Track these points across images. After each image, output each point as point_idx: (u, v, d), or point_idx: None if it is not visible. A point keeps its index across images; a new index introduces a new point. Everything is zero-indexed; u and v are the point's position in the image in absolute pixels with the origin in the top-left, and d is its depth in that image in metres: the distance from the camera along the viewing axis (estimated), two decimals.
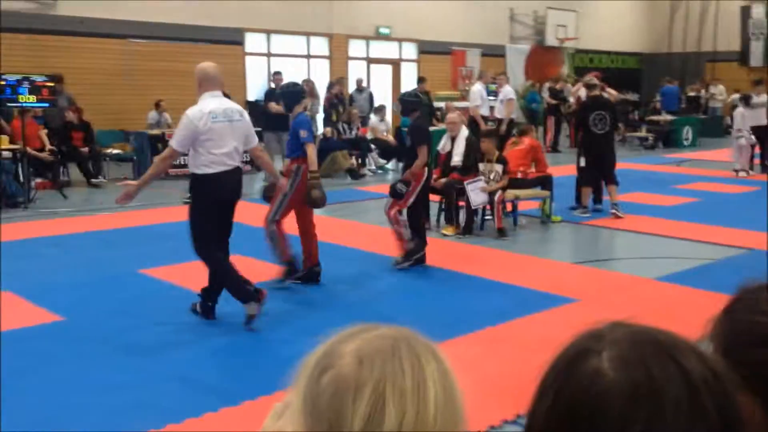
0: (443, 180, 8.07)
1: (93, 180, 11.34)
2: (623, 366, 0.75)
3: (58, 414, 3.59)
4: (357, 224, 8.68)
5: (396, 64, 19.15)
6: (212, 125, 4.67)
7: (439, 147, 8.55)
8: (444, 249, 7.29)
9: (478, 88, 13.44)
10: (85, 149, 11.52)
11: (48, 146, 11.00)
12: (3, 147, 9.66)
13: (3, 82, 9.83)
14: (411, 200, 6.46)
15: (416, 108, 6.76)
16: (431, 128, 13.76)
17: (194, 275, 6.10)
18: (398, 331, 0.86)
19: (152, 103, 13.48)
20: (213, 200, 4.77)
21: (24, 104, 10.03)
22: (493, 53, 20.12)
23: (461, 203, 7.96)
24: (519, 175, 8.46)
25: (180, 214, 9.10)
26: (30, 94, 10.02)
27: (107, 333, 4.75)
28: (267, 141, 11.75)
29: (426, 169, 6.53)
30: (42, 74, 10.46)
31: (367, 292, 5.84)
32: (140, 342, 4.60)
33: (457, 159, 8.08)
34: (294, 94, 5.96)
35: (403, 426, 0.78)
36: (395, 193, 6.45)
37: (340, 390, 0.79)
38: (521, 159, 8.70)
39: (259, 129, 12.24)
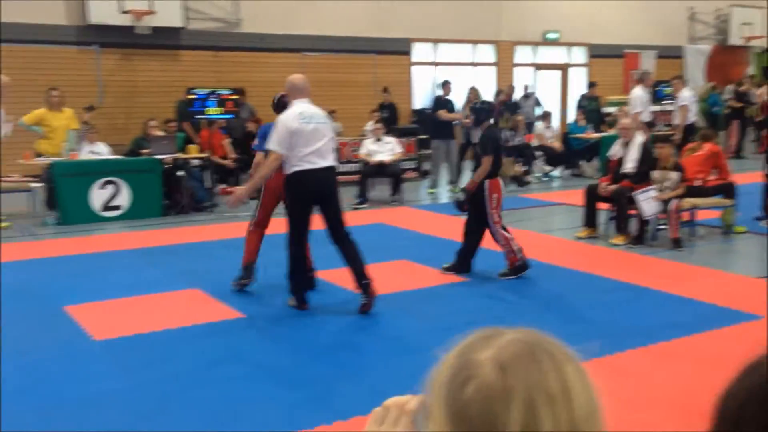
0: (613, 187, 7.80)
1: None
2: None
3: (241, 407, 3.84)
4: (521, 232, 8.57)
5: (564, 69, 18.72)
6: (301, 126, 5.15)
7: (610, 153, 8.26)
8: (613, 259, 7.04)
9: (638, 92, 12.50)
10: None
11: (231, 155, 11.81)
12: (192, 156, 10.49)
13: (194, 96, 10.69)
14: (497, 211, 6.31)
15: (488, 118, 6.64)
16: (601, 134, 13.37)
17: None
18: (528, 335, 0.85)
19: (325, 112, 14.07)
20: (300, 197, 5.28)
21: (211, 116, 10.87)
22: (670, 55, 19.13)
23: (632, 212, 7.64)
24: (698, 183, 7.99)
25: (348, 219, 9.45)
26: (217, 106, 10.85)
27: (282, 331, 5.04)
28: (434, 148, 11.90)
29: (489, 180, 6.32)
30: (227, 88, 11.27)
31: (531, 301, 5.76)
32: (313, 340, 4.82)
33: (630, 166, 7.76)
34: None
35: (559, 430, 0.78)
36: (457, 204, 6.65)
37: (489, 399, 0.79)
38: (700, 166, 8.21)
39: (427, 136, 12.54)
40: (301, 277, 5.54)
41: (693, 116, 12.63)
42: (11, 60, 12.41)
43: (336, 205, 5.41)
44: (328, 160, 5.31)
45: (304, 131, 5.17)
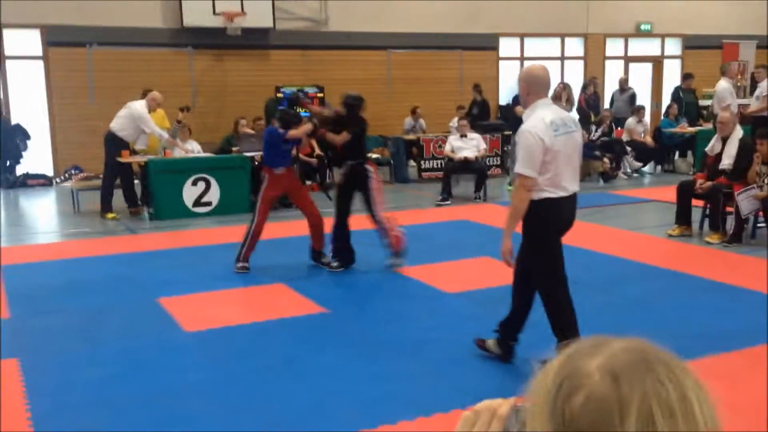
0: (709, 183, 7.48)
1: None
2: None
3: (325, 400, 3.91)
4: (609, 229, 8.36)
5: (657, 61, 18.08)
6: (556, 138, 3.90)
7: (707, 148, 7.93)
8: (708, 257, 6.77)
9: (723, 85, 11.72)
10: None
11: (317, 152, 11.99)
12: None
13: (281, 95, 10.92)
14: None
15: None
16: (696, 129, 12.85)
17: (444, 275, 6.30)
18: (639, 343, 0.81)
19: (409, 109, 14.12)
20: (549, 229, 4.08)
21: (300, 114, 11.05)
22: None
23: (728, 209, 7.32)
24: None
25: (432, 216, 9.45)
26: None
27: (366, 327, 5.08)
28: (513, 144, 11.73)
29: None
30: (313, 86, 11.45)
31: (618, 299, 5.60)
32: (396, 336, 4.85)
33: (727, 162, 7.42)
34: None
35: None
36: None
37: (601, 411, 0.75)
38: None
39: (510, 132, 12.38)
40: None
41: None
42: (109, 62, 13.02)
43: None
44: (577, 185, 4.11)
45: (557, 145, 3.90)
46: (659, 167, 13.36)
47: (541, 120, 3.90)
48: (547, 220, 3.98)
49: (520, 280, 4.25)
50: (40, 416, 3.68)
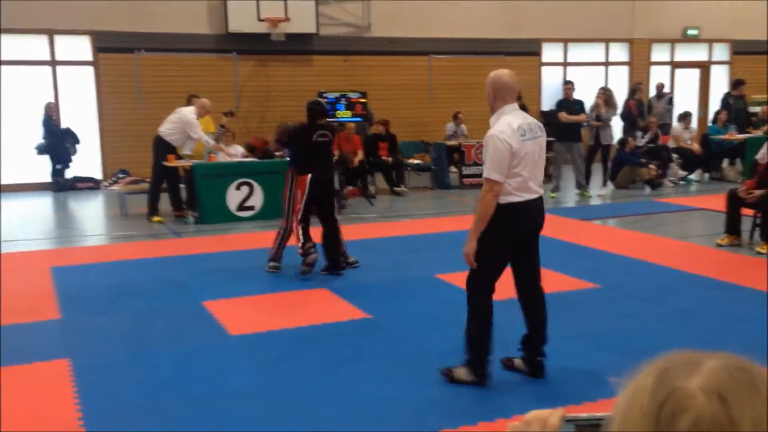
0: (759, 192, 7.32)
1: (396, 188, 12.15)
2: None
3: (369, 405, 3.91)
4: (655, 237, 8.22)
5: (705, 67, 17.76)
6: (523, 143, 3.96)
7: (758, 156, 7.76)
8: (759, 268, 6.61)
9: None
10: (390, 159, 12.40)
11: (359, 157, 12.02)
12: None
13: (324, 100, 10.98)
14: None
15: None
16: (746, 136, 12.57)
17: None
18: (736, 360, 0.78)
19: (450, 115, 14.09)
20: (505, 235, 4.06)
21: (341, 119, 11.12)
22: None
23: None
24: None
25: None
26: (346, 109, 11.09)
27: (409, 333, 5.07)
28: (556, 151, 11.62)
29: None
30: (356, 91, 11.51)
31: (668, 310, 5.50)
32: (439, 345, 4.82)
33: None
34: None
35: None
36: None
37: None
38: None
39: (553, 139, 12.25)
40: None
41: None
42: (156, 67, 13.25)
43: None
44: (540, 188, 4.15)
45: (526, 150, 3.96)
46: (706, 175, 13.10)
47: (508, 125, 3.96)
48: (511, 225, 4.02)
49: (522, 295, 4.28)
50: (91, 417, 3.75)
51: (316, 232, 6.74)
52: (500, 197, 3.96)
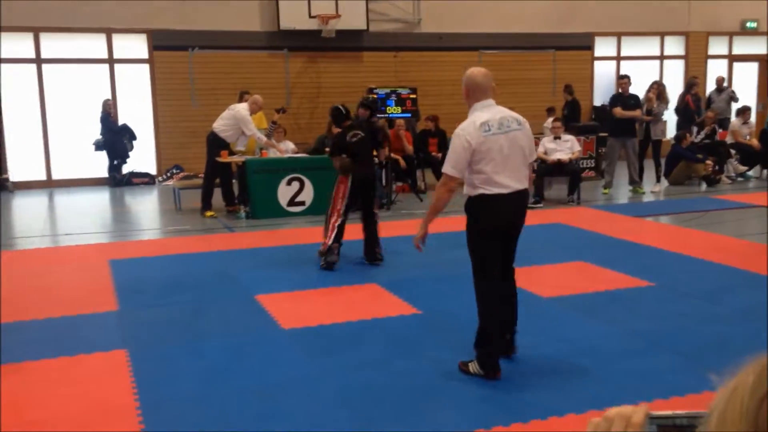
0: None
1: None
2: None
3: (419, 399, 3.93)
4: (711, 235, 8.04)
5: (764, 60, 17.24)
6: (487, 139, 4.05)
7: None
8: None
9: None
10: (439, 155, 12.36)
11: (407, 152, 12.02)
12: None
13: (375, 96, 11.02)
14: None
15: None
16: None
17: (538, 279, 6.22)
18: None
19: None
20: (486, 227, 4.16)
21: (391, 115, 11.15)
22: None
23: None
24: None
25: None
26: (396, 105, 11.11)
27: (459, 329, 5.06)
28: (609, 146, 11.44)
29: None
30: (405, 87, 11.51)
31: (726, 309, 5.38)
32: None
33: None
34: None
35: None
36: None
37: None
38: None
39: (606, 134, 12.08)
40: None
41: None
42: (209, 65, 13.47)
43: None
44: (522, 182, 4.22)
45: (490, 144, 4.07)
46: (765, 171, 12.74)
47: (472, 123, 4.09)
48: (486, 213, 4.11)
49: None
50: (148, 407, 3.85)
51: (356, 228, 6.91)
52: (470, 190, 4.13)
